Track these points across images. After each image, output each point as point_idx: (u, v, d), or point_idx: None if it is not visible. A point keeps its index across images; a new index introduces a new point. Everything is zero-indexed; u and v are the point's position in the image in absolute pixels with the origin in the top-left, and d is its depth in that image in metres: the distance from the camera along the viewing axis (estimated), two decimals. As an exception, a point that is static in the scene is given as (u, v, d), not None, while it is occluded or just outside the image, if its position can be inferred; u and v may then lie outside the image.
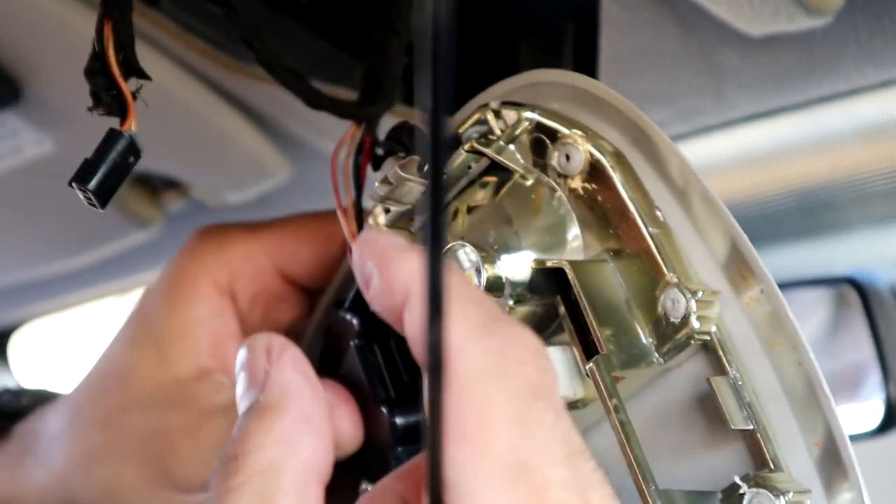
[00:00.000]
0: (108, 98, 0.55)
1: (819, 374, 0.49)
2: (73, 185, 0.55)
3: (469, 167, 0.59)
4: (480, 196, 0.58)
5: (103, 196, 0.55)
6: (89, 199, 0.55)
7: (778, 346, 0.50)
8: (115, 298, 1.43)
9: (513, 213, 0.56)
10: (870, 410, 0.93)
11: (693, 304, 0.50)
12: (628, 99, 0.80)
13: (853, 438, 0.95)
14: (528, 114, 0.57)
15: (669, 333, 0.51)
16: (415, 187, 0.58)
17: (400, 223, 0.60)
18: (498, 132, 0.58)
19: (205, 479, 0.64)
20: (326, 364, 0.64)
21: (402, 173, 0.57)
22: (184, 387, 0.65)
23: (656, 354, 0.51)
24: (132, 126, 0.56)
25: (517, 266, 0.54)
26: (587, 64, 0.80)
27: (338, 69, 0.82)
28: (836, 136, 0.84)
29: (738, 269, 0.51)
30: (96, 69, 0.54)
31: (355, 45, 0.81)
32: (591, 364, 0.50)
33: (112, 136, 0.55)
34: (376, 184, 0.58)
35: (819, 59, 0.73)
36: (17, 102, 0.97)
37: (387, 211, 0.60)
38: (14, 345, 1.60)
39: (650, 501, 0.47)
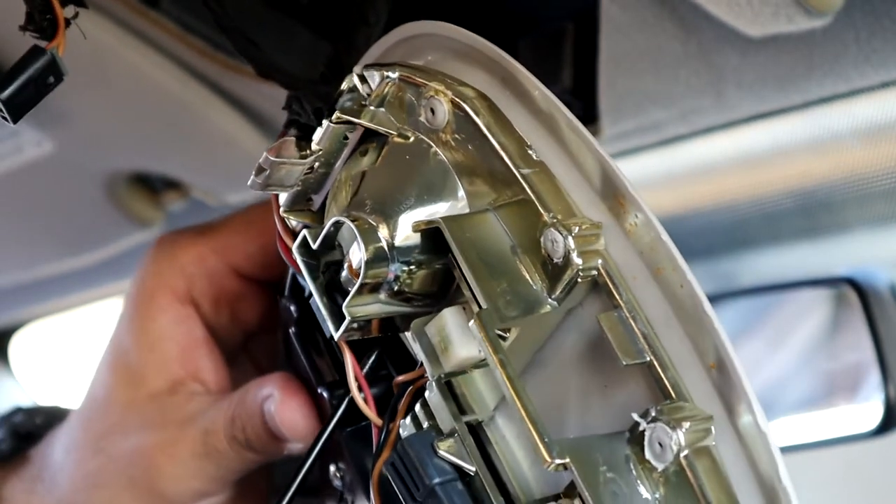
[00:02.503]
0: (43, 20, 0.55)
1: (699, 292, 0.47)
2: None
3: (345, 137, 0.57)
4: (363, 164, 0.56)
5: (15, 110, 0.55)
6: (1, 111, 0.55)
7: (663, 270, 0.48)
8: (116, 299, 1.43)
9: (395, 177, 0.55)
10: (869, 411, 0.93)
11: (571, 241, 0.48)
12: (628, 99, 0.80)
13: (852, 438, 0.95)
14: (388, 73, 0.55)
15: (556, 275, 0.48)
16: (294, 168, 0.56)
17: (298, 205, 0.59)
18: (366, 97, 0.56)
19: (193, 490, 0.64)
20: (286, 355, 0.64)
21: (273, 158, 0.56)
22: (158, 402, 0.65)
23: (549, 298, 0.49)
24: (59, 47, 0.55)
25: (405, 231, 0.53)
26: (587, 64, 0.80)
27: (339, 69, 0.82)
28: (835, 136, 0.84)
29: (615, 196, 0.49)
30: None
31: (337, 34, 0.82)
32: (471, 322, 0.48)
33: (34, 52, 0.55)
34: (252, 175, 0.57)
35: (818, 59, 0.73)
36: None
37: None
38: (14, 346, 1.60)
39: (545, 454, 0.45)
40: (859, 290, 0.92)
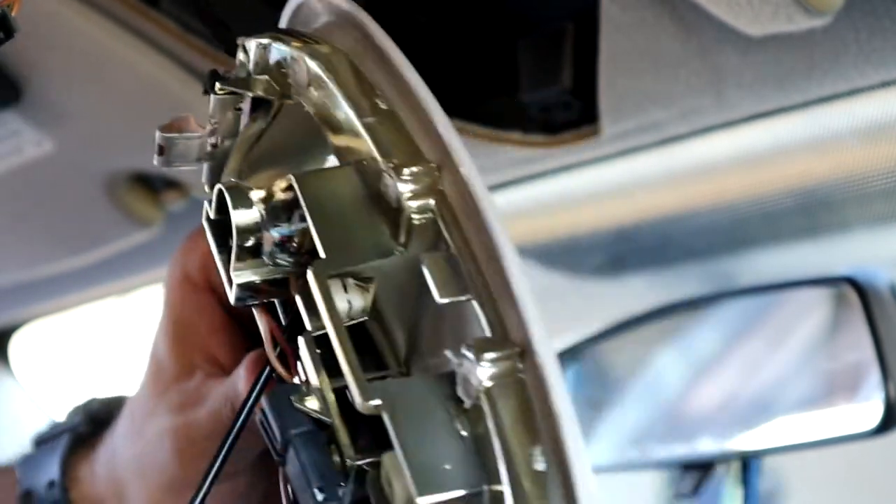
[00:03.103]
0: None
1: (498, 239, 0.46)
2: None
3: (238, 109, 0.58)
4: (253, 129, 0.57)
5: None
6: None
7: (475, 211, 0.47)
8: (116, 299, 1.43)
9: (278, 138, 0.55)
10: (869, 410, 0.93)
11: (401, 184, 0.47)
12: (628, 99, 0.80)
13: (852, 438, 0.96)
14: (261, 41, 0.56)
15: (395, 220, 0.48)
16: (190, 142, 0.57)
17: (215, 179, 0.59)
18: (251, 66, 0.57)
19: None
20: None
21: (165, 134, 0.57)
22: (180, 387, 0.66)
23: (397, 245, 0.48)
24: (14, 6, 0.57)
25: (279, 193, 0.53)
26: (587, 64, 0.80)
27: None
28: (835, 136, 0.84)
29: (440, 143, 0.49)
30: None
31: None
32: (308, 271, 0.48)
33: None
34: (155, 155, 0.57)
35: (819, 59, 0.73)
36: (18, 102, 0.98)
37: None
38: (14, 345, 1.60)
39: (357, 398, 0.45)
40: (859, 290, 0.92)
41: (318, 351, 0.50)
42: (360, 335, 0.51)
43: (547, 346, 0.44)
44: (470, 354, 0.44)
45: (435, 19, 0.85)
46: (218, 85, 0.57)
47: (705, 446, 1.07)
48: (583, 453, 0.42)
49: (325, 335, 0.49)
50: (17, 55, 0.95)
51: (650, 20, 0.75)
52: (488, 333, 0.45)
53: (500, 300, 0.45)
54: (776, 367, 1.08)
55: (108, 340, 1.65)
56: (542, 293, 1.31)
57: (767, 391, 1.08)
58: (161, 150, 0.57)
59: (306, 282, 0.50)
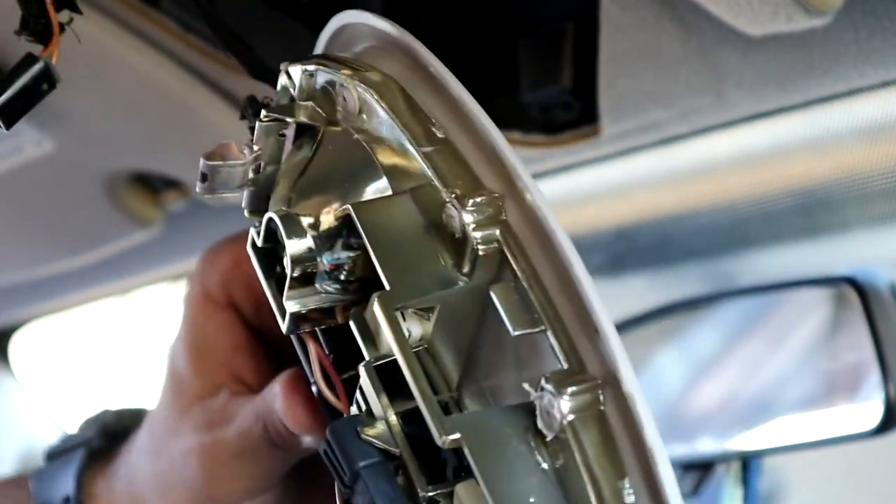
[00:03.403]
0: (38, 25, 0.55)
1: (574, 264, 0.46)
2: None
3: (281, 134, 0.57)
4: (299, 157, 0.56)
5: (8, 117, 0.55)
6: None
7: (550, 241, 0.47)
8: (116, 299, 1.43)
9: (327, 166, 0.55)
10: (869, 410, 0.93)
11: (466, 214, 0.47)
12: (628, 99, 0.80)
13: (852, 438, 0.96)
14: (307, 67, 0.56)
15: (460, 250, 0.48)
16: (233, 170, 0.57)
17: (257, 205, 0.59)
18: (295, 92, 0.56)
19: (239, 489, 0.64)
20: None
21: (208, 163, 0.56)
22: (204, 405, 0.65)
23: (460, 275, 0.48)
24: (53, 55, 0.56)
25: (330, 221, 0.52)
26: (587, 64, 0.80)
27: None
28: (835, 136, 0.84)
29: (505, 172, 0.49)
30: None
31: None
32: (373, 303, 0.48)
33: (28, 60, 0.55)
34: (198, 182, 0.57)
35: (818, 59, 0.73)
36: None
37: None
38: (15, 345, 1.60)
39: (435, 433, 0.45)
40: (859, 290, 0.92)
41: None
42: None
43: (633, 379, 0.44)
44: (550, 387, 0.44)
45: (435, 19, 0.85)
46: (263, 112, 0.56)
47: (705, 446, 1.07)
48: (675, 486, 0.43)
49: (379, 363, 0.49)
50: (17, 55, 0.95)
51: (650, 20, 0.75)
52: (564, 365, 0.45)
53: (572, 330, 0.46)
54: (776, 367, 1.08)
55: (108, 341, 1.66)
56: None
57: (767, 391, 1.08)
58: (204, 178, 0.56)
59: (358, 310, 0.51)
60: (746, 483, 1.01)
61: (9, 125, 0.55)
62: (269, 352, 0.67)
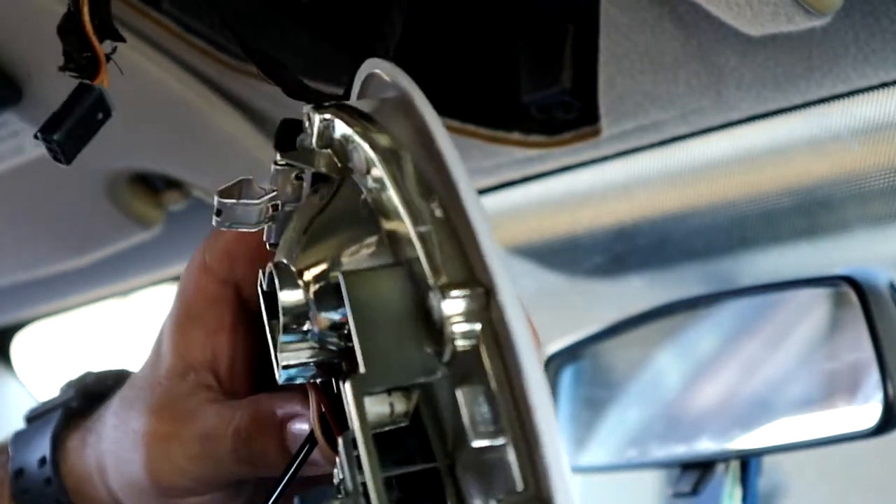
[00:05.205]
0: (81, 59, 0.55)
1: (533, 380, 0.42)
2: (39, 135, 0.55)
3: (299, 178, 0.56)
4: (312, 205, 0.54)
5: (69, 149, 0.55)
6: (55, 151, 0.55)
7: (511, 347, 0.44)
8: (117, 300, 1.43)
9: (335, 221, 0.53)
10: (868, 410, 0.93)
11: (446, 306, 0.44)
12: (628, 99, 0.80)
13: (851, 438, 0.96)
14: (324, 115, 0.54)
15: (440, 339, 0.45)
16: (249, 208, 0.55)
17: (278, 240, 0.57)
18: (313, 139, 0.55)
19: (184, 487, 0.63)
20: None
21: (222, 200, 0.54)
22: (168, 384, 0.63)
23: (441, 365, 0.46)
24: (104, 83, 0.56)
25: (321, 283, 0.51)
26: (587, 64, 0.81)
27: (338, 70, 0.82)
28: (834, 136, 0.84)
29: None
30: (70, 28, 0.54)
31: (356, 47, 0.82)
32: (345, 384, 0.45)
33: (81, 90, 0.55)
34: (213, 216, 0.56)
35: (818, 59, 0.73)
36: (18, 102, 0.98)
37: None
38: (16, 346, 1.60)
39: None
40: (858, 290, 0.92)
41: (355, 454, 0.47)
42: (413, 422, 0.49)
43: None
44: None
45: (435, 19, 0.85)
46: (278, 156, 0.55)
47: (705, 446, 1.07)
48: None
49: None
50: (17, 55, 0.95)
51: (650, 21, 0.75)
52: (520, 486, 0.42)
53: (534, 448, 0.42)
54: (775, 366, 1.08)
55: (109, 341, 1.66)
56: (542, 293, 1.31)
57: (767, 391, 1.08)
58: (219, 213, 0.55)
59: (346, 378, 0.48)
60: (746, 483, 1.01)
61: (69, 158, 0.55)
62: (256, 343, 0.64)
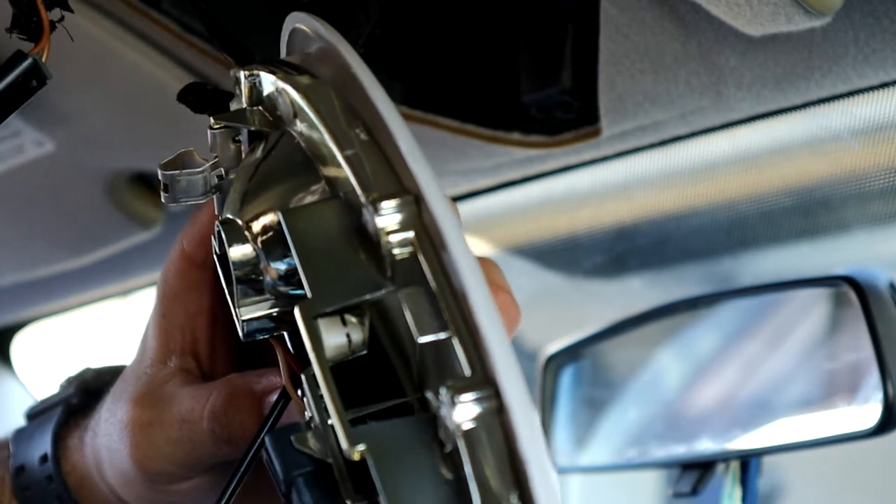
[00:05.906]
0: (29, 23, 0.56)
1: (466, 272, 0.44)
2: None
3: (237, 140, 0.57)
4: (250, 162, 0.56)
5: None
6: None
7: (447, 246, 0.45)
8: (118, 300, 1.43)
9: (274, 171, 0.54)
10: (868, 410, 0.93)
11: (379, 218, 0.46)
12: (628, 99, 0.80)
13: (851, 438, 0.96)
14: (246, 71, 0.55)
15: (378, 255, 0.47)
16: (193, 178, 0.57)
17: (222, 210, 0.58)
18: (243, 98, 0.56)
19: (169, 472, 0.63)
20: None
21: (164, 172, 0.56)
22: (151, 371, 0.64)
23: (385, 280, 0.47)
24: (44, 52, 0.56)
25: (266, 229, 0.52)
26: (587, 64, 0.81)
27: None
28: (834, 136, 0.84)
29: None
30: None
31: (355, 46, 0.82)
32: (295, 310, 0.46)
33: (16, 57, 0.56)
34: (161, 194, 0.56)
35: (818, 59, 0.73)
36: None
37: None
38: (16, 346, 1.60)
39: (345, 443, 0.44)
40: (858, 290, 0.92)
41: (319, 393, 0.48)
42: (382, 362, 0.50)
43: (518, 389, 0.42)
44: (447, 397, 0.43)
45: (435, 19, 0.85)
46: (212, 119, 0.56)
47: (705, 446, 1.07)
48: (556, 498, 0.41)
49: (348, 364, 0.48)
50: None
51: (650, 21, 0.75)
52: (468, 373, 0.44)
53: (476, 335, 0.44)
54: (775, 367, 1.09)
55: (109, 341, 1.66)
56: (542, 293, 1.31)
57: (767, 391, 1.08)
58: (165, 188, 0.56)
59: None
60: (746, 483, 1.01)
61: None
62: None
